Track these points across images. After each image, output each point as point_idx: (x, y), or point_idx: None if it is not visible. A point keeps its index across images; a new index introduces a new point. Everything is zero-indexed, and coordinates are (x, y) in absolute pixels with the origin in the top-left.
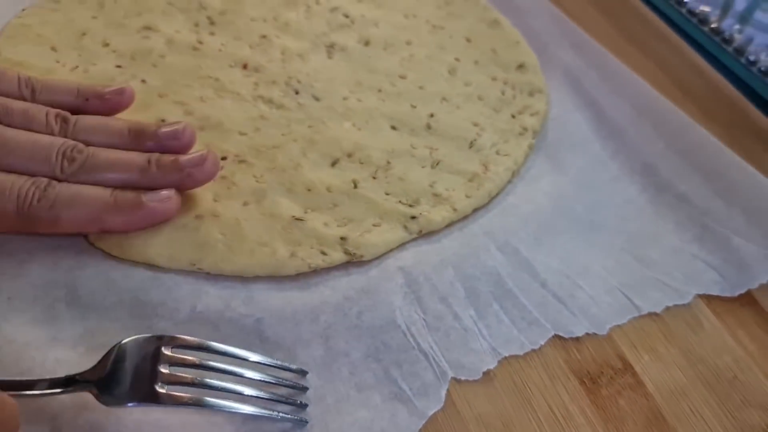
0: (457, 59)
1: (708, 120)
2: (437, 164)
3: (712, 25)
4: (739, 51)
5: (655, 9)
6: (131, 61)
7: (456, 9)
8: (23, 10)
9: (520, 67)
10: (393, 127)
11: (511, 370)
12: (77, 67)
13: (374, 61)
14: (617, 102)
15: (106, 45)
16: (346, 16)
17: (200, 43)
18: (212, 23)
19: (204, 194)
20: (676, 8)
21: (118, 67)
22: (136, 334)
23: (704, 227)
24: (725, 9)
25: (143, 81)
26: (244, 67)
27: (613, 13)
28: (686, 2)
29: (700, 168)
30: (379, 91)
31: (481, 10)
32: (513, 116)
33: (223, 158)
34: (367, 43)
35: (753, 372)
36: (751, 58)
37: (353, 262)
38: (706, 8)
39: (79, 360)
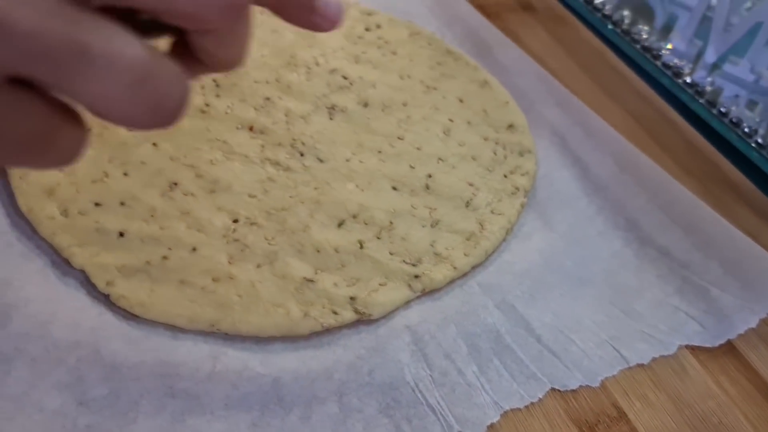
0: (450, 120)
1: (684, 173)
2: (437, 223)
3: (686, 78)
4: (711, 103)
5: (633, 63)
6: None
7: (448, 70)
8: None
9: (510, 127)
10: (394, 188)
11: (514, 420)
12: (90, 129)
13: (373, 123)
14: (600, 159)
15: None
16: (345, 78)
17: (207, 105)
18: (218, 86)
19: (219, 257)
20: (651, 62)
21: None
22: (159, 394)
23: (684, 279)
24: (697, 60)
25: (155, 145)
26: (251, 129)
27: (593, 69)
28: (661, 55)
29: (678, 222)
30: (379, 152)
31: (472, 70)
32: (505, 176)
33: (235, 221)
34: (366, 105)
35: (735, 415)
36: (722, 109)
37: (363, 321)
38: (679, 61)
39: (105, 423)
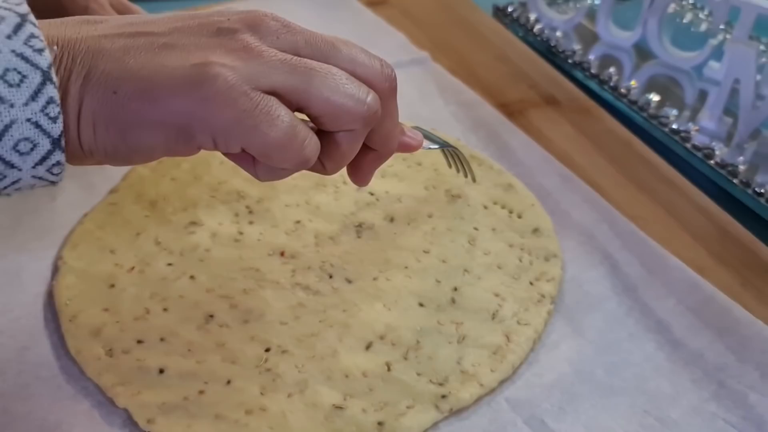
0: (475, 228)
1: (719, 263)
2: (463, 339)
3: (717, 159)
4: (746, 183)
5: (661, 148)
6: (180, 258)
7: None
8: (85, 215)
9: (535, 231)
10: (421, 304)
11: None
12: (134, 268)
13: (399, 238)
14: (629, 258)
15: (158, 243)
16: (372, 194)
17: (241, 234)
18: (251, 212)
19: (252, 389)
20: (681, 144)
21: (170, 265)
22: None
23: (720, 384)
24: (728, 138)
25: (192, 277)
26: (282, 254)
27: (621, 160)
28: (690, 136)
29: (711, 324)
30: (406, 267)
31: (496, 174)
32: (531, 283)
33: (267, 350)
34: (392, 220)
35: None
36: (758, 189)
37: None
38: (709, 142)
39: None
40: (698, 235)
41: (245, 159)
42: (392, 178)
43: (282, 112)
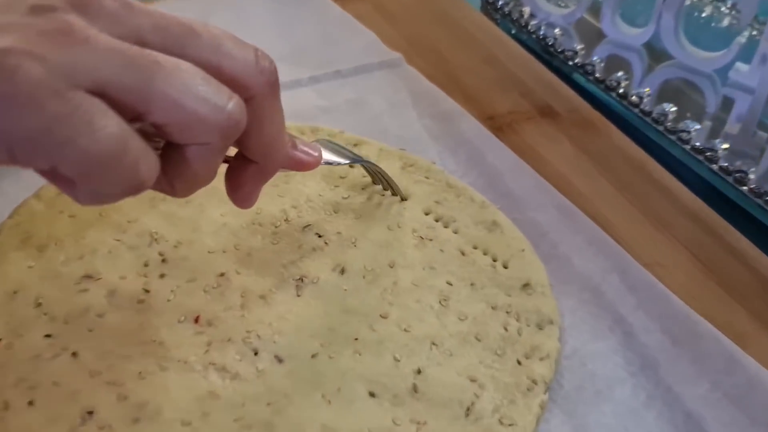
0: (449, 283)
1: (764, 327)
2: None
3: (752, 185)
4: None
5: (683, 171)
6: (64, 327)
7: (448, 210)
8: None
9: (526, 286)
10: (371, 394)
11: None
12: (0, 340)
13: (351, 297)
14: (647, 323)
15: (38, 305)
16: (320, 236)
17: (147, 291)
18: (164, 260)
19: None
20: (706, 165)
21: (48, 337)
22: None
23: None
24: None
25: (74, 354)
26: (196, 320)
27: (632, 187)
28: (718, 156)
29: (759, 419)
30: (356, 340)
31: (478, 208)
32: (519, 362)
33: None
34: (342, 271)
35: None
36: None
37: None
38: (741, 166)
39: None
40: (735, 289)
41: (60, 178)
42: (347, 214)
43: (108, 120)
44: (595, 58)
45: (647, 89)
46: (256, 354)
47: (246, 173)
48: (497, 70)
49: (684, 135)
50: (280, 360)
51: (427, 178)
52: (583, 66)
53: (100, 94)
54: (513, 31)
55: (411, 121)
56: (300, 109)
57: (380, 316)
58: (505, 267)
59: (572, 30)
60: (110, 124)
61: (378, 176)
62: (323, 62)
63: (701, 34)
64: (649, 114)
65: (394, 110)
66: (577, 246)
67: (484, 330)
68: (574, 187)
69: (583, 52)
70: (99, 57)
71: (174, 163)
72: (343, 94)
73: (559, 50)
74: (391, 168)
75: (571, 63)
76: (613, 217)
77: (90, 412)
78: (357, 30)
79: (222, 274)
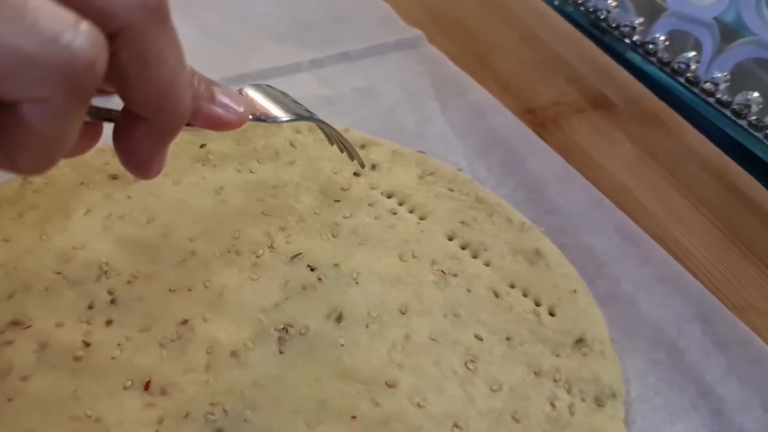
0: (478, 336)
1: None
2: None
3: None
4: None
5: None
6: None
7: (477, 234)
8: None
9: (579, 343)
10: None
11: None
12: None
13: (349, 355)
14: (742, 395)
15: None
16: (312, 269)
17: (87, 345)
18: (113, 301)
19: None
20: None
21: None
22: None
23: None
24: None
25: None
26: (146, 387)
27: (712, 200)
28: None
29: None
30: (353, 418)
31: (516, 232)
32: None
33: None
34: (339, 318)
35: None
36: None
37: None
38: None
39: None
40: None
41: None
42: (349, 238)
43: None
44: (657, 35)
45: (724, 74)
46: None
47: (136, 133)
48: (538, 50)
49: None
50: None
51: (451, 190)
52: (642, 45)
53: None
54: (556, 2)
55: (432, 115)
56: (297, 99)
57: (386, 384)
58: (552, 314)
59: (628, 1)
60: None
61: (332, 138)
62: (328, 42)
63: None
64: (727, 105)
65: (411, 102)
66: (645, 283)
67: (523, 407)
68: (637, 201)
69: (641, 27)
70: None
71: (6, 129)
72: (351, 82)
73: (613, 25)
74: (406, 177)
75: (627, 41)
76: (690, 243)
77: None
78: (372, 3)
79: (185, 322)
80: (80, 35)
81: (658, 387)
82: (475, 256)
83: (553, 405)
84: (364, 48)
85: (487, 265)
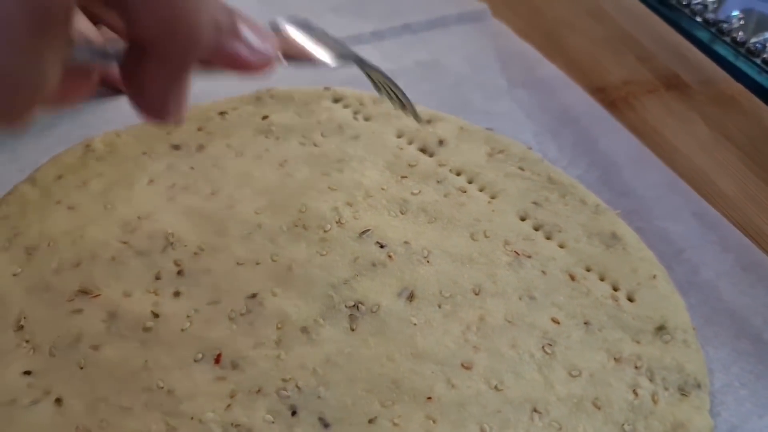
0: (555, 320)
1: None
2: None
3: None
4: None
5: None
6: (48, 362)
7: (550, 215)
8: None
9: (661, 330)
10: None
11: None
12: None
13: (422, 334)
14: None
15: (20, 328)
16: (381, 246)
17: (156, 316)
18: (180, 272)
19: None
20: None
21: (26, 374)
22: None
23: None
24: None
25: (58, 401)
26: (217, 360)
27: None
28: None
29: None
30: (429, 399)
31: (591, 214)
32: None
33: None
34: (411, 297)
35: None
36: None
37: None
38: None
39: None
40: None
41: None
42: (418, 216)
43: None
44: (733, 14)
45: None
46: (294, 414)
47: (145, 68)
48: (605, 26)
49: None
50: (326, 424)
51: (522, 169)
52: (715, 23)
53: None
54: None
55: (499, 91)
56: (358, 73)
57: (462, 365)
58: (631, 300)
59: None
60: None
61: (383, 87)
62: (389, 14)
63: None
64: None
65: (477, 77)
66: (727, 270)
67: (604, 394)
68: (714, 185)
69: (714, 5)
70: None
71: None
72: (414, 55)
73: (684, 2)
74: (474, 154)
75: (699, 19)
76: None
77: None
78: None
79: (253, 296)
80: None
81: (744, 378)
82: (549, 238)
83: (635, 393)
84: (426, 20)
85: (561, 247)
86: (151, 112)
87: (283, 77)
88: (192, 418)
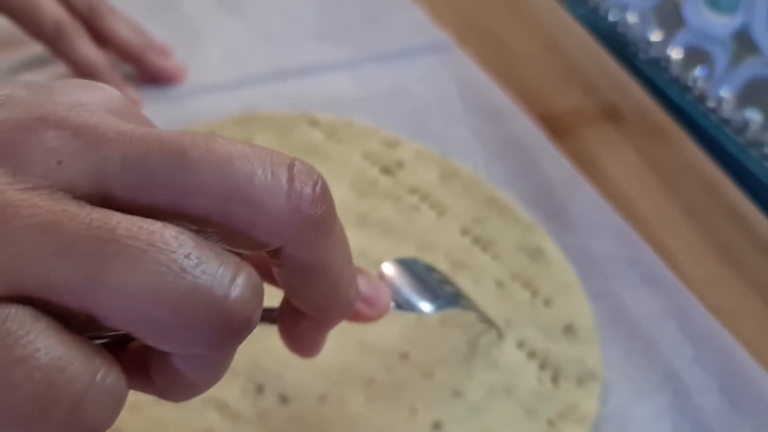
0: (481, 320)
1: None
2: None
3: None
4: None
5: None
6: None
7: (488, 231)
8: None
9: (568, 330)
10: None
11: None
12: None
13: (370, 331)
14: (704, 380)
15: None
16: None
17: None
18: None
19: None
20: None
21: None
22: None
23: None
24: None
25: None
26: None
27: (702, 212)
28: None
29: None
30: (370, 382)
31: (522, 231)
32: (550, 422)
33: None
34: None
35: None
36: None
37: None
38: None
39: None
40: None
41: None
42: (375, 229)
43: (40, 343)
44: (670, 51)
45: (729, 92)
46: (260, 390)
47: (301, 326)
48: (560, 60)
49: (766, 150)
50: (284, 400)
51: (467, 191)
52: (657, 60)
53: (27, 299)
54: (581, 13)
55: (457, 118)
56: (335, 98)
57: (400, 355)
58: (546, 305)
59: (651, 15)
60: (41, 346)
61: (478, 314)
62: (365, 42)
63: None
64: (727, 122)
65: (438, 104)
66: (633, 282)
67: (515, 382)
68: (636, 208)
69: (659, 43)
70: (17, 247)
71: (159, 371)
72: (384, 82)
73: (631, 39)
74: (428, 177)
75: (642, 56)
76: (677, 250)
77: None
78: (404, 6)
79: None
80: (238, 288)
81: (631, 371)
82: (484, 251)
83: (539, 381)
84: (396, 49)
85: (494, 259)
86: (303, 353)
87: (262, 100)
88: None
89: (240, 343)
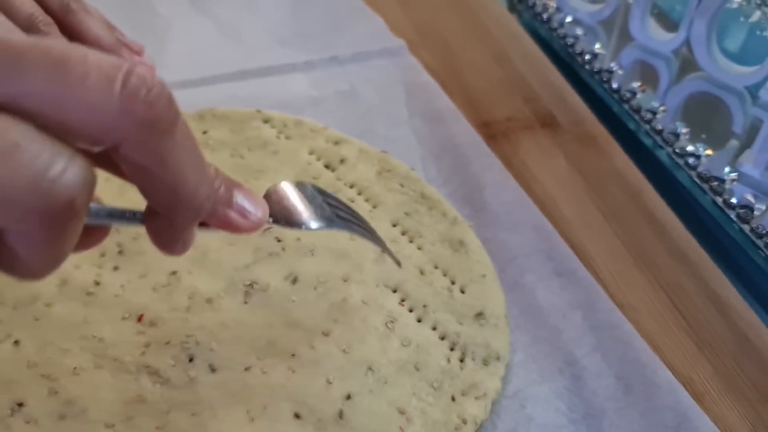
0: (402, 302)
1: (729, 390)
2: None
3: (754, 225)
4: None
5: (682, 203)
6: (11, 314)
7: (415, 224)
8: None
9: (479, 316)
10: (296, 415)
11: None
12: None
13: (297, 309)
14: (601, 367)
15: None
16: (279, 241)
17: (97, 284)
18: (120, 252)
19: None
20: (709, 196)
21: None
22: None
23: None
24: None
25: (16, 342)
26: (139, 319)
27: (622, 216)
28: (723, 189)
29: None
30: (292, 356)
31: (448, 224)
32: (453, 398)
33: None
34: (294, 281)
35: None
36: None
37: None
38: (751, 200)
39: None
40: (708, 344)
41: None
42: None
43: None
44: (613, 65)
45: (663, 106)
46: (191, 360)
47: (157, 223)
48: (506, 70)
49: (692, 160)
50: (213, 369)
51: (401, 186)
52: (599, 72)
53: None
54: (535, 26)
55: (400, 120)
56: (289, 98)
57: (322, 333)
58: (462, 292)
59: (600, 29)
60: None
61: (368, 239)
62: (323, 46)
63: (749, 44)
64: (659, 133)
65: (385, 106)
66: (546, 276)
67: (425, 359)
68: (559, 210)
69: (603, 55)
70: None
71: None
72: (336, 84)
73: (578, 52)
74: (366, 173)
75: (587, 68)
76: (593, 249)
77: (20, 404)
78: (365, 15)
79: (174, 273)
80: (61, 172)
81: (537, 357)
82: (411, 241)
83: (448, 360)
84: (352, 53)
85: (419, 249)
86: (165, 250)
87: (222, 98)
88: (115, 359)
89: (66, 226)
